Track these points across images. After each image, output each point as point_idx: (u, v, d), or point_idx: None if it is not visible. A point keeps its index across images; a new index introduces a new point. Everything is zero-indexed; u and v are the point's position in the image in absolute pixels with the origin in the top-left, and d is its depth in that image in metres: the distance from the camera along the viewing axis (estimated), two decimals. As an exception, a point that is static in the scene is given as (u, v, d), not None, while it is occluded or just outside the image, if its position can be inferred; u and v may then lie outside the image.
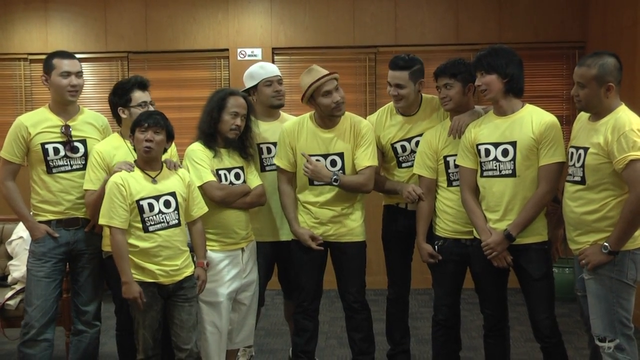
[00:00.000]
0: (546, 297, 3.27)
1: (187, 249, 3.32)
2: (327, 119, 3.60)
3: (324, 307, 4.03)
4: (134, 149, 3.28)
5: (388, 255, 3.87)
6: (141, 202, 3.17)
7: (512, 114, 3.24)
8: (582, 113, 3.13)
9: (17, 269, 4.13)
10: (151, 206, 3.18)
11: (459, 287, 3.55)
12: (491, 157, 3.24)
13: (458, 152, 3.39)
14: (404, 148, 3.70)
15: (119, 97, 3.49)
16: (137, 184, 3.19)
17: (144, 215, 3.17)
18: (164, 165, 3.31)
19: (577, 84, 3.02)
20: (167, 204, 3.22)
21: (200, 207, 3.36)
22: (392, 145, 3.70)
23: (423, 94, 3.72)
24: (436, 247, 3.51)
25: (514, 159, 3.19)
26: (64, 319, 3.92)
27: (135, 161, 3.27)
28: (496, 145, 3.23)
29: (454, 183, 3.46)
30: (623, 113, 2.93)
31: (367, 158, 3.57)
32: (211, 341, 3.48)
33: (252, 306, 3.65)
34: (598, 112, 3.00)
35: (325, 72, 3.57)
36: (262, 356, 4.52)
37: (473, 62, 3.32)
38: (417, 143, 3.65)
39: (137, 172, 3.23)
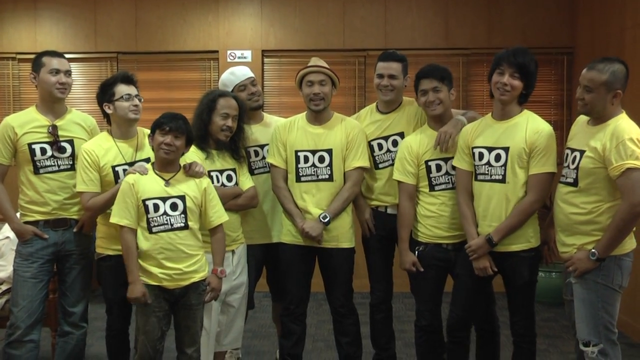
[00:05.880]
0: (525, 302, 3.31)
1: (197, 253, 3.26)
2: (315, 114, 3.64)
3: (312, 310, 4.06)
4: (152, 149, 3.29)
5: (369, 260, 3.84)
6: (147, 202, 3.17)
7: (509, 119, 3.24)
8: (581, 116, 3.14)
9: (3, 269, 4.10)
10: (156, 207, 3.18)
11: (440, 291, 3.55)
12: (484, 161, 3.25)
13: (455, 154, 3.39)
14: (380, 146, 3.70)
15: (103, 94, 3.48)
16: (148, 184, 3.20)
17: (149, 216, 3.17)
18: (182, 168, 3.30)
19: (583, 88, 3.00)
20: (173, 207, 3.20)
21: (218, 216, 3.32)
22: (369, 143, 3.71)
23: (404, 96, 3.76)
24: (417, 252, 3.50)
25: (505, 164, 3.19)
26: (51, 320, 3.91)
27: (152, 163, 3.29)
28: (490, 149, 3.24)
29: (436, 188, 3.46)
30: (623, 121, 2.96)
31: (356, 158, 3.61)
32: (200, 343, 3.43)
33: (240, 308, 3.65)
34: (599, 117, 3.01)
35: (320, 64, 3.63)
36: (249, 358, 4.52)
37: (505, 55, 3.20)
38: (393, 142, 3.67)
39: (150, 172, 3.24)
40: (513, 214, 3.17)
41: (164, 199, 3.19)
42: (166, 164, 3.24)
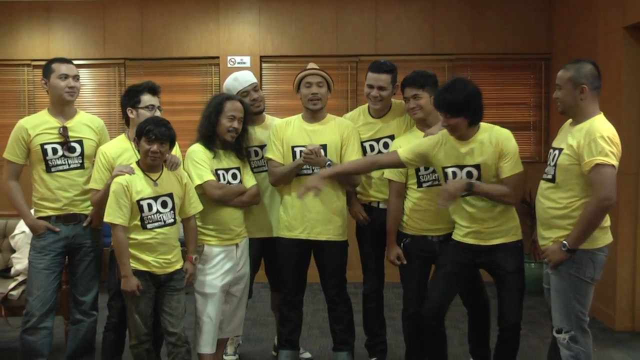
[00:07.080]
0: (518, 289, 3.41)
1: (178, 244, 3.46)
2: (310, 112, 3.80)
3: (307, 299, 4.11)
4: (139, 151, 3.41)
5: (362, 253, 3.98)
6: (141, 202, 3.30)
7: (470, 138, 3.31)
8: (568, 121, 3.23)
9: (20, 261, 4.27)
10: (150, 206, 3.32)
11: (426, 281, 3.67)
12: (458, 179, 3.34)
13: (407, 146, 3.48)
14: (372, 147, 3.87)
15: (129, 98, 3.59)
16: (140, 185, 3.32)
17: (143, 214, 3.31)
18: (164, 166, 3.43)
19: (556, 87, 3.14)
20: (164, 204, 3.36)
21: (194, 207, 3.49)
22: (361, 144, 3.85)
23: (392, 99, 3.91)
24: (403, 244, 3.66)
25: (478, 179, 3.30)
26: (64, 309, 4.06)
27: (137, 162, 3.40)
28: (461, 167, 3.33)
29: (424, 184, 3.61)
30: (598, 121, 3.05)
31: (354, 153, 3.76)
32: (205, 330, 3.60)
33: (243, 298, 3.77)
34: (576, 116, 3.12)
35: (316, 67, 3.81)
36: (249, 345, 4.65)
37: (435, 101, 3.29)
38: (384, 144, 3.83)
39: (139, 173, 3.36)
40: (488, 184, 3.28)
41: (155, 198, 3.34)
42: (153, 166, 3.39)
